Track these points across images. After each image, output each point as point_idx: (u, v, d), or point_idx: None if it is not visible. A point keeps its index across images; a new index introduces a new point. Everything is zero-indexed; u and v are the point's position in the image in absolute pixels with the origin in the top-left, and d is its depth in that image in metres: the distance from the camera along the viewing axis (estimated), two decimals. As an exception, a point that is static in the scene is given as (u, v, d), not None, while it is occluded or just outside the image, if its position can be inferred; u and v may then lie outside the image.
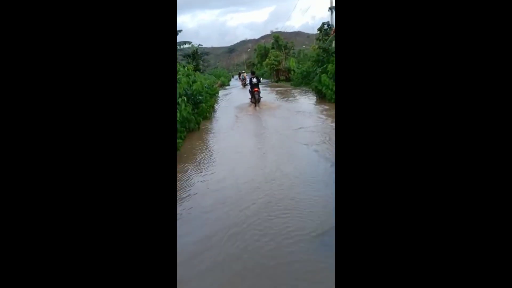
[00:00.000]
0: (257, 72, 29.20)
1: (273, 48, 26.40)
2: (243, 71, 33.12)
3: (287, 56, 23.81)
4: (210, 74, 25.10)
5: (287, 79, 22.08)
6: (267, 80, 26.21)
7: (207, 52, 29.88)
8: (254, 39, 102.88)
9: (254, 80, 9.59)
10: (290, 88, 16.45)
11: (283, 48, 24.23)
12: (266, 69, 25.10)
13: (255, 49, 40.45)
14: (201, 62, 28.94)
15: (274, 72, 23.36)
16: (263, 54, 37.44)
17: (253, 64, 46.55)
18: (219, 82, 23.64)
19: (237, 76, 36.00)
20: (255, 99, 9.32)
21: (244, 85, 21.39)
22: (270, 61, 22.44)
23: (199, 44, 29.11)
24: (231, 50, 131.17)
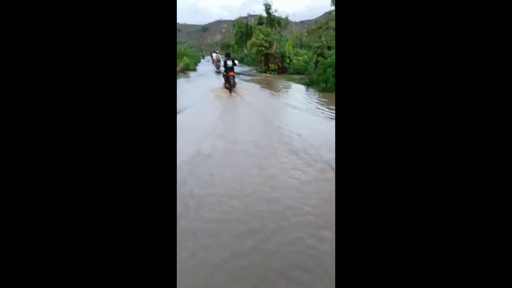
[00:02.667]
0: (235, 56, 22.09)
1: (260, 24, 19.30)
2: (217, 51, 25.48)
3: (279, 37, 16.86)
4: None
5: (280, 69, 15.25)
6: (250, 68, 19.09)
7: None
8: (230, 20, 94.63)
9: (229, 63, 8.74)
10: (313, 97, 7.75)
11: (276, 25, 17.20)
12: (250, 51, 18.02)
13: (234, 26, 32.98)
14: (160, 33, 21.10)
15: (262, 58, 16.37)
16: (244, 33, 30.22)
17: (228, 46, 39.30)
18: (181, 64, 16.23)
19: (209, 58, 27.88)
20: (230, 84, 8.50)
21: (218, 67, 16.64)
22: (258, 40, 15.39)
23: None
24: (204, 29, 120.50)
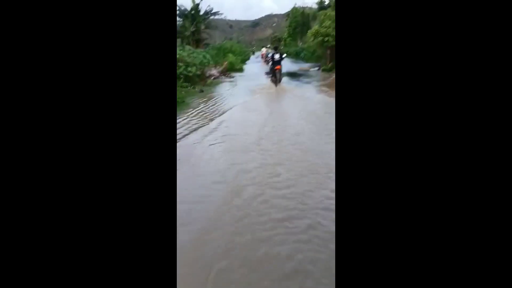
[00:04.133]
0: (288, 50, 19.49)
1: (322, 8, 15.29)
2: (268, 46, 22.53)
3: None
4: (210, 50, 14.70)
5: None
6: (310, 65, 15.25)
7: (214, 12, 18.95)
8: (280, 14, 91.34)
9: (277, 56, 8.54)
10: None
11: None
12: (309, 44, 14.23)
13: (287, 17, 29.21)
14: (203, 28, 18.26)
15: (328, 52, 12.46)
16: (300, 23, 26.30)
17: (279, 40, 36.82)
18: (225, 63, 13.23)
19: (259, 54, 24.38)
20: (276, 78, 8.38)
21: (268, 63, 14.52)
22: (323, 28, 11.52)
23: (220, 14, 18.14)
24: (255, 24, 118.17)
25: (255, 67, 16.18)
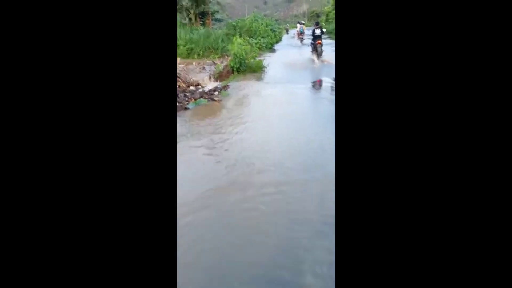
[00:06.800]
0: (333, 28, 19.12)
1: None
2: (302, 22, 19.60)
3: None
4: (220, 29, 8.91)
5: None
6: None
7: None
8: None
9: (317, 31, 8.95)
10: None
11: None
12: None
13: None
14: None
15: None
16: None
17: (317, 15, 32.89)
18: (225, 60, 7.19)
19: (295, 31, 20.35)
20: (317, 52, 8.83)
21: (302, 40, 14.93)
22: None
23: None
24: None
25: (288, 58, 9.85)
